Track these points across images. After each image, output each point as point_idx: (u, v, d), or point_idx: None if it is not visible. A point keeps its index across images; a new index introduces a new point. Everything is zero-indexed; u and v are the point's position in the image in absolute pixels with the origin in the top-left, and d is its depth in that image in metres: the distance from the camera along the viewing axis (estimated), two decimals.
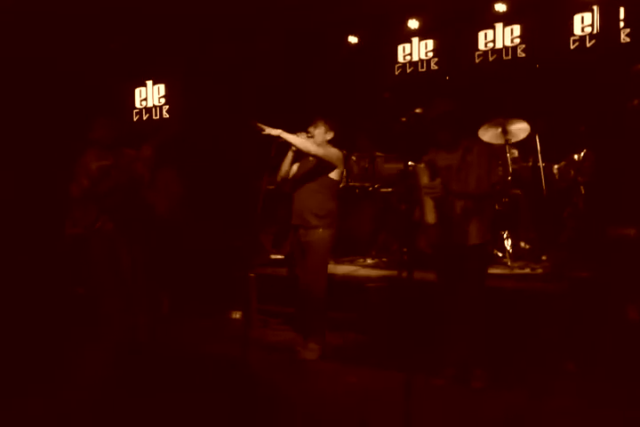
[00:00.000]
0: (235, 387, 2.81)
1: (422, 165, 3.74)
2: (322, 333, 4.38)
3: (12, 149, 6.31)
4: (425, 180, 3.69)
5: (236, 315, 5.61)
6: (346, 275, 5.37)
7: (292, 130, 4.38)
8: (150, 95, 7.67)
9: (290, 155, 4.46)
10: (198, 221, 6.24)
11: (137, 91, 7.74)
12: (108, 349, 4.34)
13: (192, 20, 6.38)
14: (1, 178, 6.13)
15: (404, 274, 3.04)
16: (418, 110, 3.43)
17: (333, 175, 4.43)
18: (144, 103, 7.71)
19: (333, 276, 5.01)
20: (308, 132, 4.42)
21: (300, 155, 4.45)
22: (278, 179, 4.53)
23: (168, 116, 7.49)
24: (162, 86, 7.60)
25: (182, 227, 5.98)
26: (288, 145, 4.35)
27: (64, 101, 6.66)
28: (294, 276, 4.61)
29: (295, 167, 4.54)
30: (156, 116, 7.61)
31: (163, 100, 7.59)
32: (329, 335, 4.50)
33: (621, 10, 5.61)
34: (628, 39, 5.61)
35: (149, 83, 7.67)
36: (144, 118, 7.63)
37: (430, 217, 3.69)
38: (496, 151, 4.67)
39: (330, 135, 4.47)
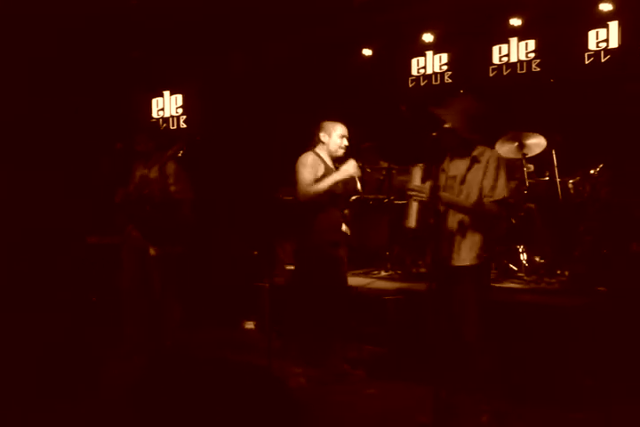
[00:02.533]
0: (262, 395, 2.82)
1: (419, 166, 3.52)
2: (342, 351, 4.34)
3: (31, 157, 6.36)
4: (416, 181, 3.48)
5: (250, 325, 5.62)
6: (362, 287, 5.37)
7: (305, 140, 4.35)
8: (168, 105, 7.75)
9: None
10: (212, 230, 6.27)
11: (154, 101, 7.81)
12: (132, 355, 4.38)
13: (209, 30, 6.45)
14: (20, 185, 6.18)
15: (432, 286, 3.03)
16: (447, 125, 3.44)
17: None
18: (161, 113, 7.78)
19: (351, 288, 5.00)
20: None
21: None
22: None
23: (185, 126, 7.55)
24: (179, 97, 7.66)
25: (196, 236, 6.00)
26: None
27: (81, 111, 6.72)
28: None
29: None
30: (173, 126, 7.68)
31: (180, 111, 7.65)
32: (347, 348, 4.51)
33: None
34: None
35: (167, 93, 7.73)
36: (161, 128, 7.69)
37: (411, 221, 3.47)
38: (508, 164, 4.53)
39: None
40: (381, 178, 6.29)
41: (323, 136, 4.28)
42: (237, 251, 5.93)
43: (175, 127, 7.65)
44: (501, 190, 3.45)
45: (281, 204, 5.04)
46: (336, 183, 4.15)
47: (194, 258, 5.64)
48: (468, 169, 3.48)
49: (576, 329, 4.17)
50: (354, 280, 5.54)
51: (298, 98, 6.77)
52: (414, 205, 3.45)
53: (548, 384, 3.93)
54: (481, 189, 3.44)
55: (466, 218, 3.45)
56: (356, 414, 3.62)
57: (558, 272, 5.19)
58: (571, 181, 5.38)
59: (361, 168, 6.18)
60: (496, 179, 3.44)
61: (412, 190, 3.44)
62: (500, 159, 3.53)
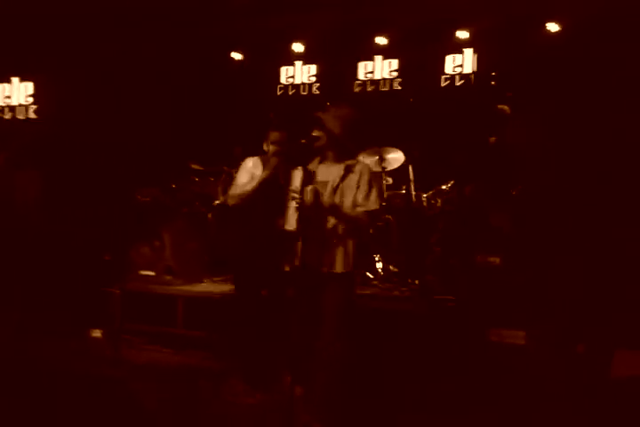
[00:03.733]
0: (110, 407, 2.68)
1: (299, 169, 3.50)
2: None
3: None
4: (296, 184, 3.45)
5: (97, 334, 5.30)
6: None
7: (173, 138, 4.19)
8: (16, 93, 7.17)
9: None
10: (60, 231, 5.87)
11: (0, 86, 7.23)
12: None
13: (76, 18, 6.07)
14: None
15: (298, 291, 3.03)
16: (315, 133, 3.49)
17: None
18: (8, 101, 7.20)
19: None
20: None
21: None
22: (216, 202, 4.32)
23: (35, 116, 7.03)
24: (30, 84, 7.14)
25: (40, 235, 5.58)
26: None
27: None
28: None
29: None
30: (21, 116, 7.14)
31: (30, 100, 7.12)
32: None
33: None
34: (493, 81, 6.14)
35: (15, 80, 7.18)
36: (8, 117, 7.11)
37: (290, 224, 3.48)
38: (376, 177, 4.70)
39: (270, 148, 4.18)
40: None
41: (265, 144, 4.22)
42: (86, 254, 5.59)
43: (23, 117, 7.10)
44: (374, 202, 3.54)
45: (138, 205, 4.82)
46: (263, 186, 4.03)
47: (32, 260, 5.25)
48: (343, 178, 3.50)
49: (424, 335, 4.38)
50: (215, 287, 5.46)
51: (164, 98, 6.58)
52: (292, 208, 3.45)
53: (390, 389, 4.04)
54: (355, 199, 3.49)
55: (340, 225, 3.48)
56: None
57: (410, 281, 5.45)
58: (424, 195, 5.69)
59: (229, 173, 6.20)
60: (369, 190, 3.52)
61: (294, 192, 3.43)
62: (371, 172, 3.65)
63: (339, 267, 3.50)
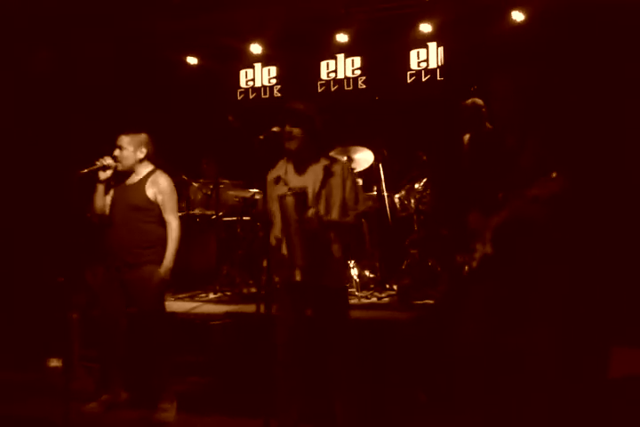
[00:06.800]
0: None
1: (290, 194, 3.14)
2: (170, 385, 3.88)
3: None
4: (294, 211, 3.11)
5: (55, 363, 4.89)
6: (186, 313, 4.95)
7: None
8: None
9: (101, 186, 3.87)
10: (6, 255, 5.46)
11: None
12: None
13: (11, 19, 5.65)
14: None
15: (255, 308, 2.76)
16: (275, 129, 3.19)
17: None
18: None
19: (172, 315, 4.58)
20: (114, 158, 3.84)
21: (115, 182, 3.94)
22: (95, 219, 3.92)
23: None
24: None
25: None
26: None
27: None
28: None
29: (109, 199, 3.93)
30: None
31: None
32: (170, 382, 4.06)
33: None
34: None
35: None
36: None
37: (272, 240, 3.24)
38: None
39: (143, 153, 3.88)
40: (209, 193, 5.95)
41: None
42: (39, 278, 5.20)
43: None
44: (363, 201, 3.32)
45: (90, 224, 4.48)
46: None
47: None
48: (323, 183, 3.18)
49: (406, 343, 4.13)
50: (177, 305, 5.12)
51: (112, 104, 6.18)
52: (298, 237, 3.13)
53: (382, 401, 3.82)
54: (344, 203, 3.20)
55: (332, 235, 3.20)
56: None
57: (387, 286, 5.20)
58: (397, 196, 5.44)
59: (186, 182, 5.88)
60: (356, 191, 3.27)
61: (301, 222, 3.11)
62: (353, 172, 3.39)
63: (336, 280, 3.26)
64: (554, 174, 2.74)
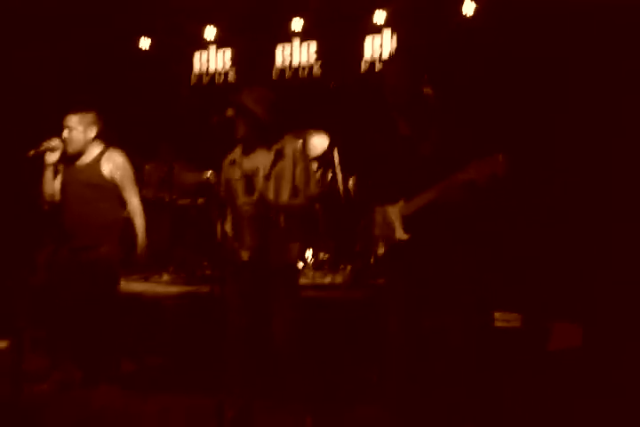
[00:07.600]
0: None
1: (239, 177, 3.24)
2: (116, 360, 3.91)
3: None
4: (242, 194, 3.22)
5: (2, 344, 4.79)
6: (140, 293, 4.94)
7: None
8: None
9: (49, 171, 3.76)
10: None
11: None
12: None
13: None
14: None
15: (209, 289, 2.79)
16: (230, 113, 3.17)
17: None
18: None
19: (126, 295, 4.56)
20: (63, 140, 3.73)
21: (64, 164, 3.82)
22: (45, 206, 3.84)
23: None
24: None
25: None
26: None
27: None
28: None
29: (59, 183, 3.83)
30: None
31: None
32: (123, 362, 4.05)
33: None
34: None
35: None
36: None
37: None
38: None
39: (93, 132, 3.79)
40: (162, 176, 5.92)
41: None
42: None
43: None
44: (314, 185, 3.35)
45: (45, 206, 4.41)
46: None
47: None
48: (273, 164, 3.24)
49: (358, 323, 4.21)
50: (131, 286, 5.10)
51: (64, 86, 6.05)
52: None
53: (334, 380, 3.90)
54: (294, 186, 3.26)
55: (281, 216, 3.25)
56: None
57: (342, 267, 5.29)
58: (351, 179, 5.52)
59: (138, 164, 5.82)
60: (307, 174, 3.30)
61: (245, 205, 3.23)
62: (305, 154, 3.41)
63: (284, 258, 3.29)
64: (500, 157, 2.67)
